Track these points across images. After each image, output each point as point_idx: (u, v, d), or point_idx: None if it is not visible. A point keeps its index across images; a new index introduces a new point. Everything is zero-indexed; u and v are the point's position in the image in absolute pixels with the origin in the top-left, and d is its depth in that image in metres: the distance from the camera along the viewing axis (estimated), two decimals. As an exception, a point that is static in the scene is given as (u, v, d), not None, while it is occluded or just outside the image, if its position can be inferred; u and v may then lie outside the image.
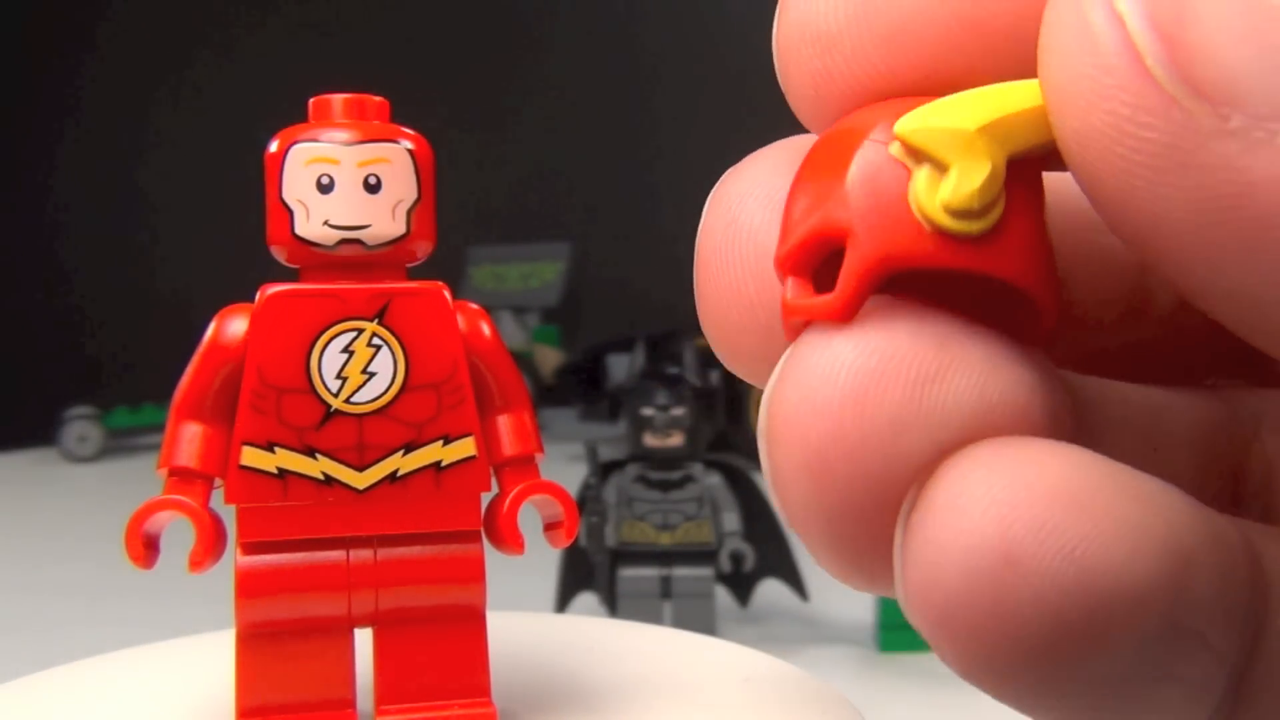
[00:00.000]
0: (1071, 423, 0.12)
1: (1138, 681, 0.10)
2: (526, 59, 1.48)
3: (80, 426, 1.01)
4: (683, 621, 0.43)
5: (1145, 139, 0.10)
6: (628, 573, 0.44)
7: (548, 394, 1.06)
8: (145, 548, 0.17)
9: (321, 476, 0.17)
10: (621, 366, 0.93)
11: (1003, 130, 0.11)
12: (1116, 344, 0.15)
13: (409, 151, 0.18)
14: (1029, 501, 0.10)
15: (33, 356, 1.63)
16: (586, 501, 0.44)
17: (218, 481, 0.18)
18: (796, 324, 0.12)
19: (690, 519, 0.44)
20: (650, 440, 0.45)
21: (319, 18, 1.55)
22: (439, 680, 0.18)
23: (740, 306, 0.13)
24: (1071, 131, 0.10)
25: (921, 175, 0.11)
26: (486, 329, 0.18)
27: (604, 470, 0.46)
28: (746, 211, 0.13)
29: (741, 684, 0.20)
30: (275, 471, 0.17)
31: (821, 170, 0.12)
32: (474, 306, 0.19)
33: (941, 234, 0.11)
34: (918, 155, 0.11)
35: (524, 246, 1.33)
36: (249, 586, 0.17)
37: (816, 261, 0.12)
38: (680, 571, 0.44)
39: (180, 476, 0.17)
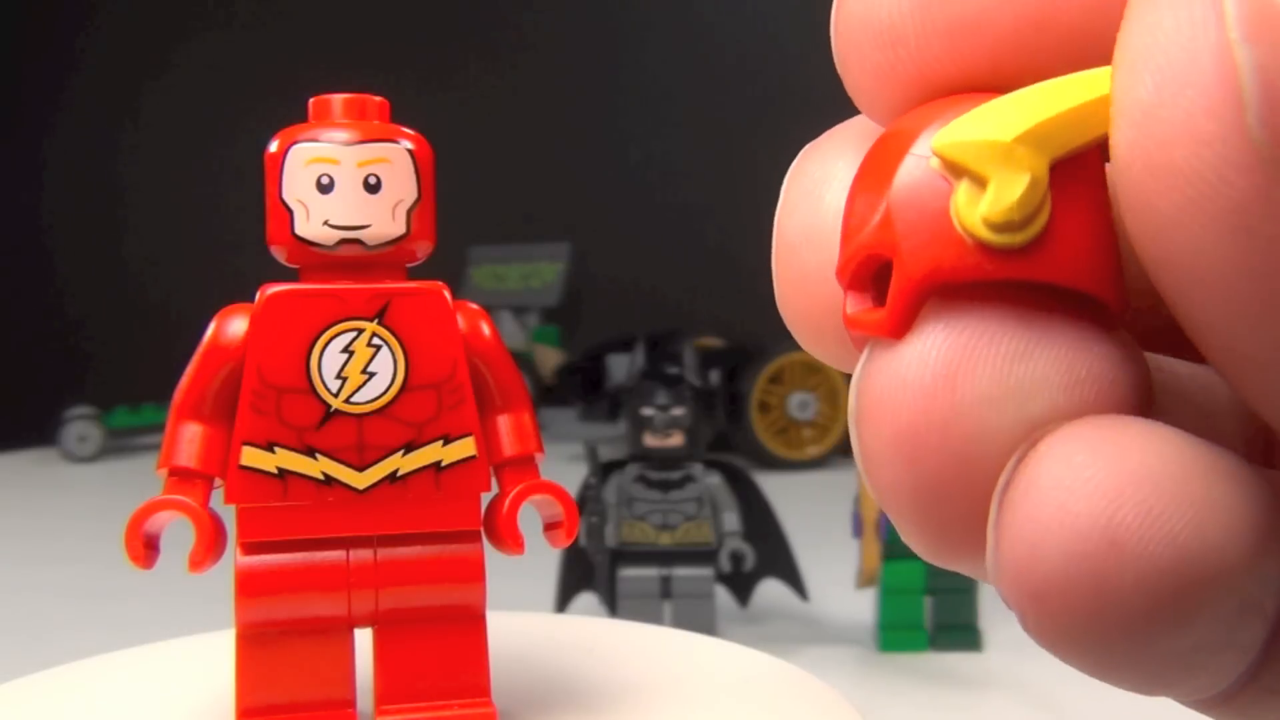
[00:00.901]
0: (1153, 398, 0.12)
1: (1206, 651, 0.11)
2: (527, 59, 1.48)
3: (80, 426, 1.01)
4: (683, 621, 0.43)
5: (1219, 192, 0.09)
6: (628, 573, 0.44)
7: (548, 394, 1.06)
8: (145, 548, 0.17)
9: (321, 476, 0.17)
10: (621, 366, 0.93)
11: (1044, 135, 0.11)
12: (1160, 322, 0.15)
13: (409, 151, 0.18)
14: (1134, 485, 0.10)
15: (33, 356, 1.63)
16: (586, 501, 0.44)
17: (218, 481, 0.18)
18: (858, 336, 0.12)
19: (690, 519, 0.44)
20: (650, 440, 0.45)
21: (318, 17, 1.55)
22: (439, 680, 0.18)
23: (827, 288, 0.13)
24: (1140, 154, 0.10)
25: (961, 189, 0.11)
26: (486, 329, 0.18)
27: (604, 470, 0.46)
28: (832, 193, 0.13)
29: (741, 684, 0.20)
30: (275, 471, 0.17)
31: (871, 180, 0.12)
32: (474, 306, 0.19)
33: (986, 247, 0.11)
34: (955, 169, 0.11)
35: (524, 246, 1.33)
36: (249, 586, 0.17)
37: (870, 275, 0.12)
38: (680, 571, 0.44)
39: (180, 476, 0.17)
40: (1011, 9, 0.11)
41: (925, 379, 0.11)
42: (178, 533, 0.18)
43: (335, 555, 0.18)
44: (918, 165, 0.11)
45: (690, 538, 0.44)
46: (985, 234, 0.11)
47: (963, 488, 0.11)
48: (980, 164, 0.11)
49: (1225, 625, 0.11)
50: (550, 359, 1.12)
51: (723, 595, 0.47)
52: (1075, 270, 0.11)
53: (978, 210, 0.11)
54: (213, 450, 0.17)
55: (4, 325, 1.66)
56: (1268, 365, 0.10)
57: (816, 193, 0.14)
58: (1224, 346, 0.10)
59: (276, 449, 0.17)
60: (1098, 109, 0.11)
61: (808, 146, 0.14)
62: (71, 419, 1.02)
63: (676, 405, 0.45)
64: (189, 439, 0.18)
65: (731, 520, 0.45)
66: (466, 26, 1.50)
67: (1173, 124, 0.10)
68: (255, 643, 0.18)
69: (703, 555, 0.44)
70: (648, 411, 0.45)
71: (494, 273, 1.31)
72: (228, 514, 0.18)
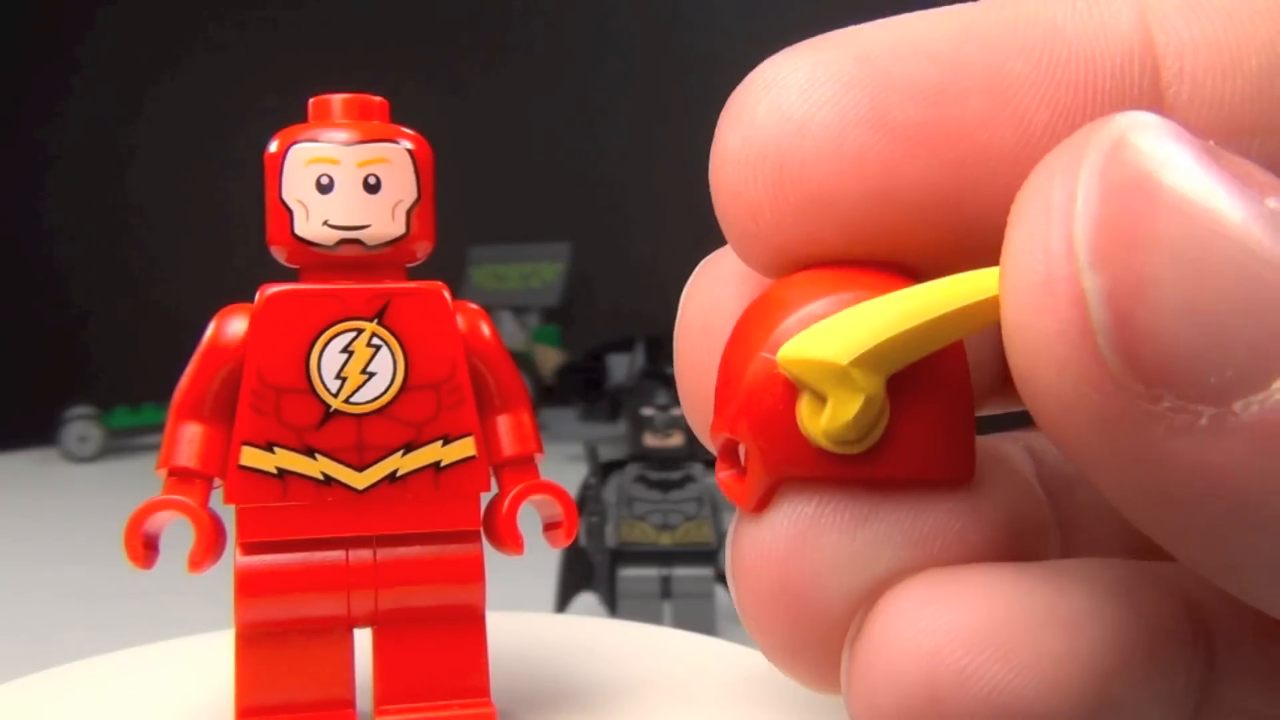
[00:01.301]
0: (1039, 517, 0.13)
1: None
2: (528, 59, 1.48)
3: (80, 426, 1.01)
4: (683, 621, 0.43)
5: (1082, 406, 0.10)
6: (628, 573, 0.44)
7: (548, 394, 1.06)
8: (145, 548, 0.17)
9: (321, 476, 0.17)
10: (621, 366, 0.93)
11: (879, 357, 0.11)
12: None
13: (409, 151, 0.18)
14: (951, 646, 0.11)
15: (33, 356, 1.63)
16: (586, 501, 0.44)
17: (217, 481, 0.18)
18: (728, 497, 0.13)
19: (690, 519, 0.44)
20: (650, 440, 0.45)
21: (318, 17, 1.55)
22: (439, 680, 0.18)
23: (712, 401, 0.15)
24: (1015, 364, 0.11)
25: (804, 400, 0.12)
26: (486, 329, 0.18)
27: (604, 470, 0.46)
28: (717, 321, 0.14)
29: (741, 684, 0.20)
30: (275, 471, 0.17)
31: (735, 362, 0.13)
32: (474, 306, 0.19)
33: (828, 453, 0.12)
34: (799, 382, 0.12)
35: (524, 246, 1.33)
36: (249, 586, 0.17)
37: (733, 447, 0.13)
38: (680, 571, 0.44)
39: (180, 476, 0.17)
40: (856, 187, 0.12)
41: (779, 551, 0.13)
42: (178, 533, 0.18)
43: (335, 555, 0.18)
44: (767, 367, 0.12)
45: (690, 538, 0.44)
46: (826, 444, 0.12)
47: (820, 640, 0.13)
48: (819, 382, 0.12)
49: None
50: (550, 359, 1.12)
51: (723, 595, 0.47)
52: (915, 465, 0.12)
53: (819, 422, 0.12)
54: (212, 450, 0.17)
55: (4, 325, 1.66)
56: (1127, 505, 0.11)
57: (706, 321, 0.15)
58: (1092, 481, 0.11)
59: (276, 449, 0.17)
60: (935, 329, 0.11)
61: (707, 260, 0.15)
62: (71, 419, 1.02)
63: (676, 405, 0.45)
64: (189, 439, 0.18)
65: (731, 520, 0.45)
66: (467, 26, 1.50)
67: (1036, 346, 0.10)
68: (255, 643, 0.18)
69: (703, 555, 0.44)
70: (648, 411, 0.45)
71: (494, 273, 1.31)
72: (227, 514, 0.18)
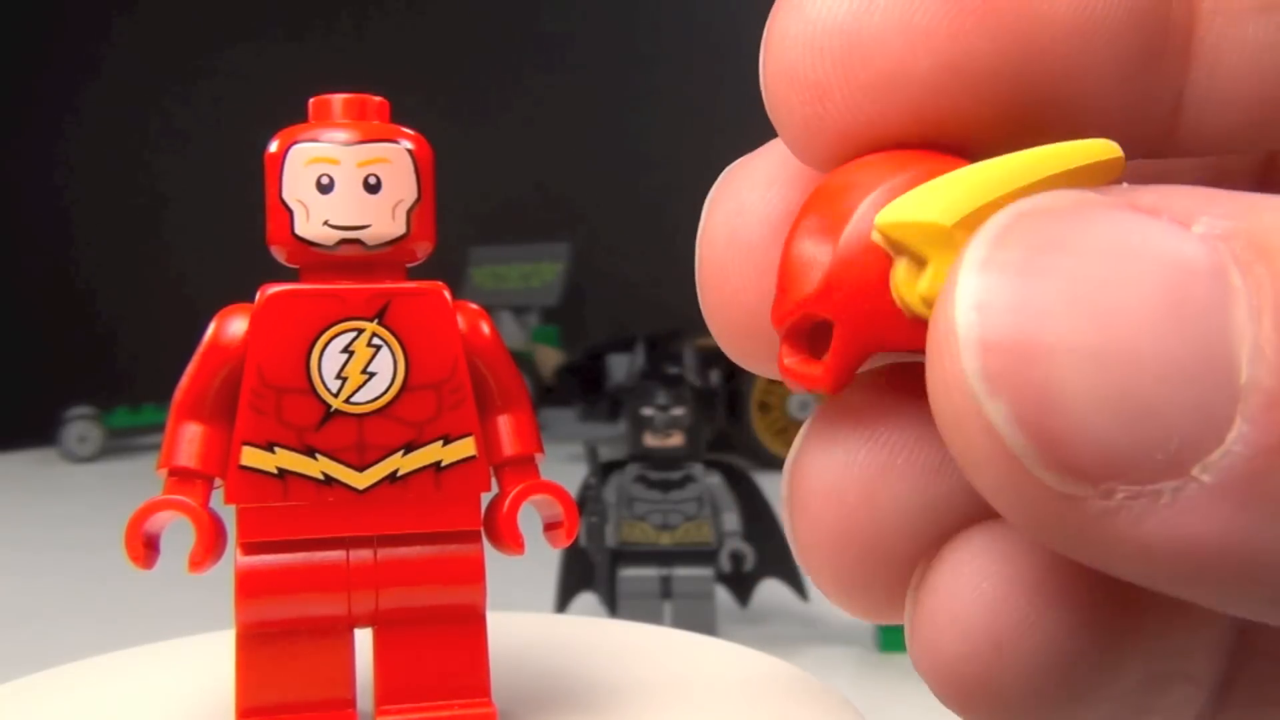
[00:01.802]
0: None
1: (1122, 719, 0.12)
2: (527, 58, 1.48)
3: (80, 426, 1.01)
4: (683, 621, 0.43)
5: (1039, 516, 0.10)
6: (628, 573, 0.44)
7: (548, 394, 1.06)
8: (145, 548, 0.17)
9: (321, 476, 0.17)
10: (621, 366, 0.93)
11: (983, 219, 0.11)
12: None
13: (409, 151, 0.18)
14: (1012, 594, 0.12)
15: (33, 356, 1.63)
16: (586, 501, 0.44)
17: (218, 481, 0.18)
18: (794, 383, 0.13)
19: (690, 519, 0.44)
20: (650, 440, 0.45)
21: (318, 15, 1.55)
22: (439, 680, 0.18)
23: (745, 313, 0.14)
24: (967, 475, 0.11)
25: (900, 267, 0.11)
26: (486, 329, 0.18)
27: (604, 470, 0.46)
28: (746, 226, 0.14)
29: (741, 684, 0.20)
30: (275, 471, 0.17)
31: (811, 235, 0.12)
32: (474, 306, 0.19)
33: (922, 322, 0.11)
34: (897, 248, 0.11)
35: (524, 246, 1.33)
36: (249, 586, 0.17)
37: (807, 330, 0.12)
38: (680, 571, 0.44)
39: (180, 476, 0.17)
40: (928, 61, 0.12)
41: (848, 496, 0.13)
42: (178, 533, 0.18)
43: (335, 555, 0.18)
44: (860, 237, 0.12)
45: (690, 538, 0.44)
46: (923, 310, 0.11)
47: (882, 584, 0.13)
48: (921, 246, 0.11)
49: (1131, 699, 0.12)
50: (550, 359, 1.12)
51: (723, 595, 0.47)
52: None
53: (916, 288, 0.11)
54: (213, 450, 0.17)
55: (4, 325, 1.66)
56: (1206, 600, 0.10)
57: (731, 227, 0.14)
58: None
59: (276, 449, 0.17)
60: (1033, 192, 0.11)
61: (725, 174, 0.15)
62: (71, 419, 1.02)
63: (676, 405, 0.45)
64: (189, 439, 0.18)
65: (731, 520, 0.45)
66: (468, 26, 1.50)
67: (971, 470, 0.10)
68: (255, 643, 0.18)
69: (703, 555, 0.44)
70: (648, 411, 0.45)
71: (494, 273, 1.31)
72: (228, 514, 0.18)
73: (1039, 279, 0.09)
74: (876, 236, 0.12)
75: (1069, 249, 0.09)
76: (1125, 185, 0.11)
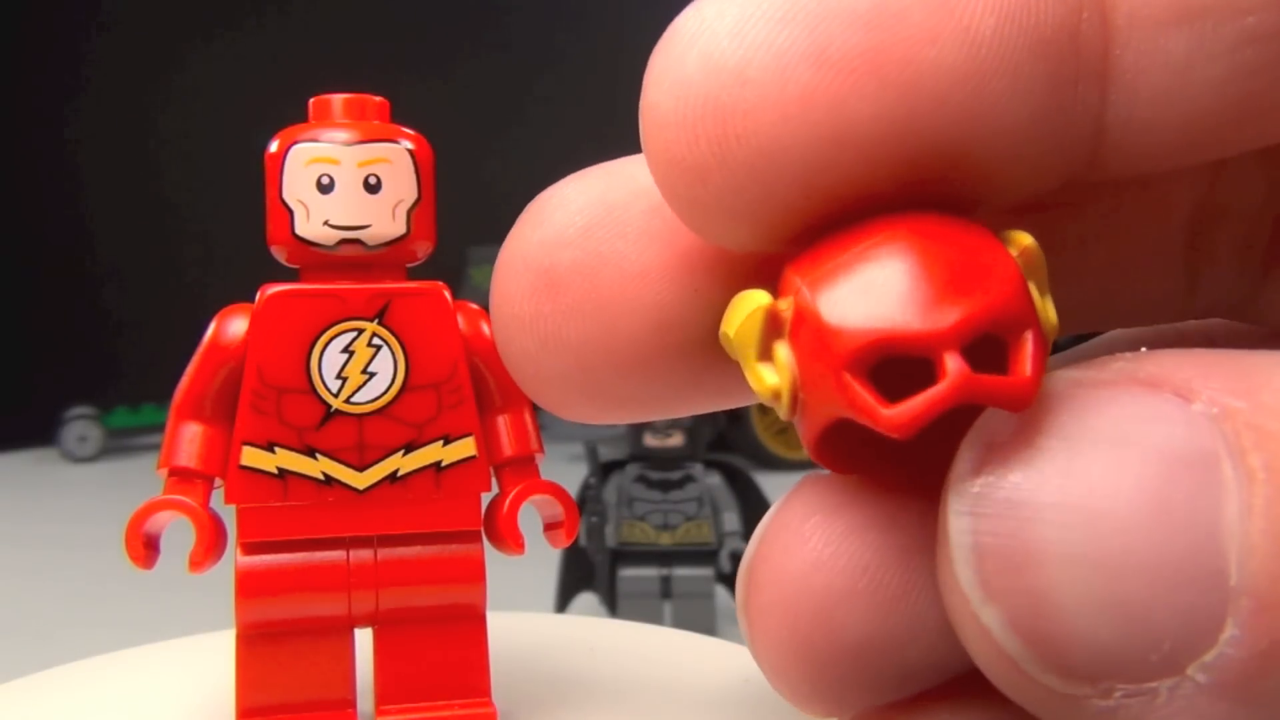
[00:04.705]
0: None
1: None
2: (529, 59, 1.48)
3: (80, 426, 1.01)
4: (683, 621, 0.43)
5: (1042, 713, 0.10)
6: (628, 573, 0.44)
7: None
8: (145, 548, 0.17)
9: (322, 476, 0.17)
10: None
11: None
12: None
13: (409, 151, 0.18)
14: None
15: (33, 356, 1.63)
16: (586, 501, 0.44)
17: (218, 481, 0.18)
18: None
19: (690, 519, 0.44)
20: (650, 440, 0.45)
21: (318, 15, 1.55)
22: (439, 680, 0.18)
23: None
24: None
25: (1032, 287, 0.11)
26: (486, 329, 0.18)
27: (604, 470, 0.46)
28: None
29: (741, 684, 0.20)
30: (275, 471, 0.17)
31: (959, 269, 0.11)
32: (474, 306, 0.19)
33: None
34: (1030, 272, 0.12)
35: (524, 246, 1.32)
36: (249, 586, 0.17)
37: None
38: (680, 571, 0.44)
39: (180, 476, 0.17)
40: (806, 130, 0.11)
41: (803, 617, 0.12)
42: (178, 533, 0.18)
43: (335, 555, 0.18)
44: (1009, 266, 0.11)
45: (690, 538, 0.44)
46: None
47: (841, 704, 0.12)
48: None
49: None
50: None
51: (723, 595, 0.47)
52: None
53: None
54: (213, 450, 0.17)
55: (4, 325, 1.66)
56: None
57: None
58: None
59: (277, 449, 0.17)
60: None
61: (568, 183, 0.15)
62: (71, 419, 1.02)
63: (676, 405, 0.45)
64: (189, 439, 0.18)
65: (731, 520, 0.45)
66: (468, 26, 1.50)
67: (980, 666, 0.10)
68: (255, 643, 0.18)
69: (703, 555, 0.44)
70: (648, 411, 0.45)
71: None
72: (228, 514, 0.18)
73: (1028, 478, 0.09)
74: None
75: (1062, 443, 0.09)
76: (1143, 350, 0.10)
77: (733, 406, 0.15)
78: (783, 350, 0.11)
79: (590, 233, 0.14)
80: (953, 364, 0.10)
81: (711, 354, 0.13)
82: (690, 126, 0.11)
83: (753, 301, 0.12)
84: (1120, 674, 0.09)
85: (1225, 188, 0.14)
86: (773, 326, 0.11)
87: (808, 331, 0.11)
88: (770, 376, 0.11)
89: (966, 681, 0.11)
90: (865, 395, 0.10)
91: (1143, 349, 0.10)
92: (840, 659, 0.12)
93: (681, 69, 0.11)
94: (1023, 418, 0.10)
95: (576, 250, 0.14)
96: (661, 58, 0.12)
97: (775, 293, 0.12)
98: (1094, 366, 0.10)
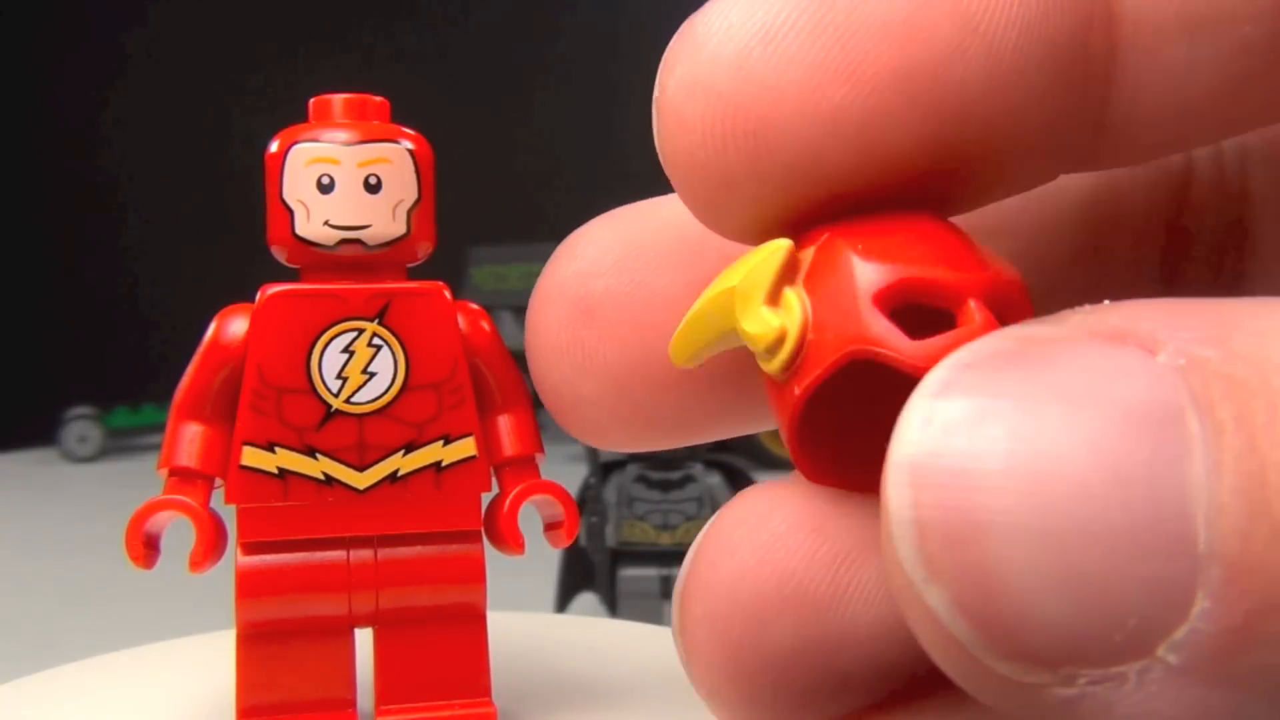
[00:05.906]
0: None
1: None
2: (529, 58, 1.48)
3: (80, 426, 1.01)
4: (683, 621, 0.43)
5: (1017, 711, 0.09)
6: (628, 573, 0.44)
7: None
8: (146, 548, 0.17)
9: (322, 476, 0.17)
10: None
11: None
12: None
13: (409, 151, 0.18)
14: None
15: (33, 356, 1.63)
16: (586, 501, 0.44)
17: (218, 481, 0.18)
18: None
19: (690, 519, 0.44)
20: (650, 440, 0.45)
21: (317, 14, 1.55)
22: (439, 680, 0.18)
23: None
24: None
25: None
26: (486, 329, 0.19)
27: (604, 470, 0.46)
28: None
29: (741, 684, 0.20)
30: (276, 471, 0.17)
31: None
32: (474, 306, 0.19)
33: None
34: None
35: (524, 246, 1.33)
36: (249, 586, 0.17)
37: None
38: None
39: (181, 476, 0.17)
40: (840, 146, 0.11)
41: (734, 627, 0.12)
42: (179, 533, 0.18)
43: (335, 555, 0.18)
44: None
45: (690, 538, 0.44)
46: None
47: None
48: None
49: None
50: (550, 359, 1.12)
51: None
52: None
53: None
54: (213, 450, 0.17)
55: (4, 325, 1.66)
56: None
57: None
58: None
59: (277, 449, 0.17)
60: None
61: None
62: (71, 419, 1.02)
63: (676, 405, 0.45)
64: (189, 439, 0.18)
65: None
66: (468, 26, 1.50)
67: (933, 657, 0.09)
68: (255, 643, 0.18)
69: (703, 555, 0.44)
70: (648, 411, 0.45)
71: (494, 273, 1.31)
72: (228, 514, 0.18)
73: (973, 444, 0.08)
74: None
75: (1010, 401, 0.08)
76: (1106, 303, 0.09)
77: (762, 430, 0.15)
78: (793, 294, 0.11)
79: (623, 263, 0.15)
80: (979, 312, 0.10)
81: (745, 375, 0.13)
82: (719, 135, 0.11)
83: (771, 246, 0.12)
84: (1082, 658, 0.08)
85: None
86: (788, 271, 0.12)
87: (834, 270, 0.11)
88: (774, 318, 0.11)
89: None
90: (890, 326, 0.11)
91: (1106, 301, 0.09)
92: (770, 668, 0.11)
93: (711, 75, 0.11)
94: (969, 379, 0.09)
95: (611, 279, 0.14)
96: (686, 60, 0.12)
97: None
98: (1049, 321, 0.09)
